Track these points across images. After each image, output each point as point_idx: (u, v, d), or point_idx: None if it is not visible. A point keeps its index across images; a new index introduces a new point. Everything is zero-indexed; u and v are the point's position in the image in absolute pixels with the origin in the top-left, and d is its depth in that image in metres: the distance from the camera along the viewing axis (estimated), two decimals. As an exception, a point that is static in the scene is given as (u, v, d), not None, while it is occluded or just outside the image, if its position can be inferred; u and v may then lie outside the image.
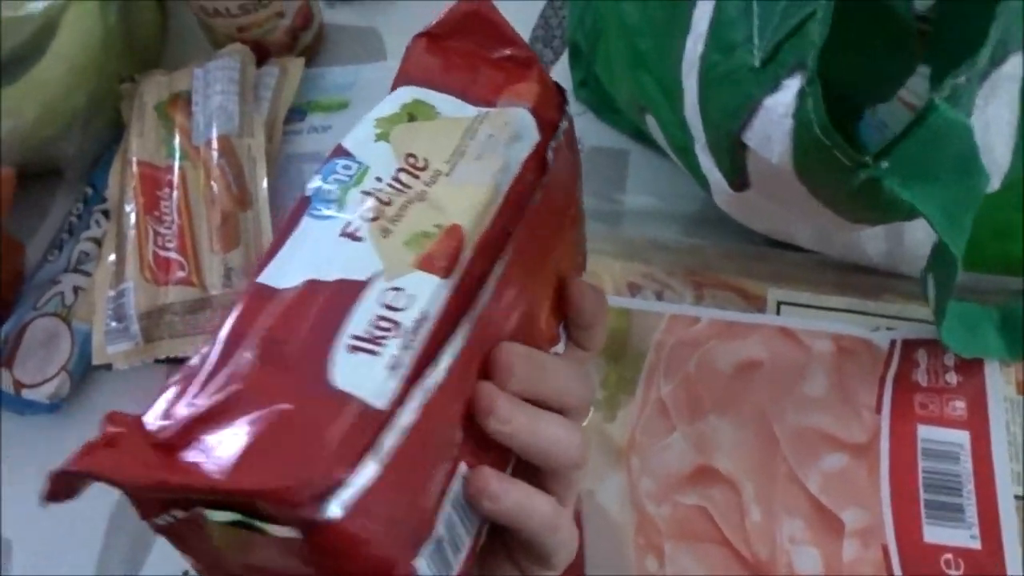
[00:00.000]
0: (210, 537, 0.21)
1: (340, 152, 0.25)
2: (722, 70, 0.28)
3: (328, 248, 0.23)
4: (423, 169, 0.24)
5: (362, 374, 0.20)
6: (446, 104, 0.26)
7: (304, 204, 0.24)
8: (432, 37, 0.28)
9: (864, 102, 0.28)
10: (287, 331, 0.21)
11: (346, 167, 0.25)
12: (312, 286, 0.22)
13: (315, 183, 0.24)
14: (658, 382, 0.37)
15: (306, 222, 0.23)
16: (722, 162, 0.31)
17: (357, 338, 0.21)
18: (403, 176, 0.24)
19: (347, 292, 0.21)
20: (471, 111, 0.26)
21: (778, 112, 0.25)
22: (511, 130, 0.25)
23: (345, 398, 0.20)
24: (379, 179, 0.24)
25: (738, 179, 0.31)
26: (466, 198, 0.23)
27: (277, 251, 0.23)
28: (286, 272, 0.22)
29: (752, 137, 0.27)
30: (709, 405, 0.37)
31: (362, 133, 0.26)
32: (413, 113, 0.26)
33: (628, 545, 0.34)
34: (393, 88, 0.28)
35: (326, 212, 0.23)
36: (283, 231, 0.24)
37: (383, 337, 0.21)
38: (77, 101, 0.50)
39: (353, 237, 0.23)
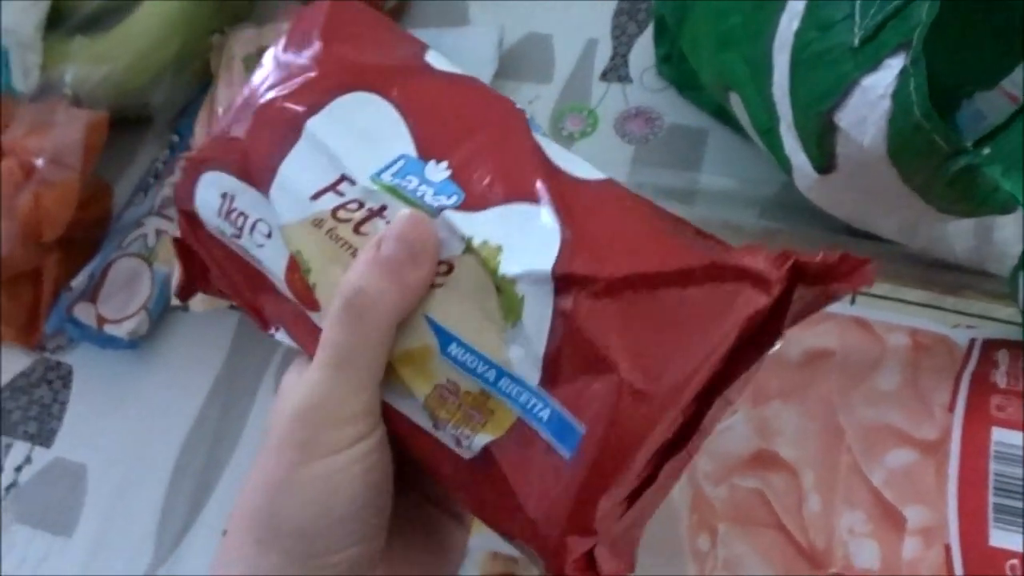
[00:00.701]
0: None
1: None
2: (817, 48, 0.27)
3: None
4: None
5: None
6: None
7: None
8: None
9: (963, 91, 0.27)
10: None
11: None
12: None
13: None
14: (724, 363, 0.37)
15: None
16: (808, 144, 0.30)
17: None
18: None
19: None
20: None
21: (876, 92, 0.25)
22: None
23: None
24: None
25: (824, 162, 0.30)
26: None
27: None
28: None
29: (844, 118, 0.26)
30: (774, 391, 0.36)
31: None
32: None
33: (682, 522, 0.34)
34: None
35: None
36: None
37: None
38: (168, 51, 0.52)
39: None
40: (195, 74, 0.54)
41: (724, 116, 0.49)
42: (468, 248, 0.22)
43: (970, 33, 0.32)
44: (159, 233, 0.52)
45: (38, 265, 0.49)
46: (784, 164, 0.36)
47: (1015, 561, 0.33)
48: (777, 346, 0.21)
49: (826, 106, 0.27)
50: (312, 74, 0.26)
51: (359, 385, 0.23)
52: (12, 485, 0.49)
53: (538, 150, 0.24)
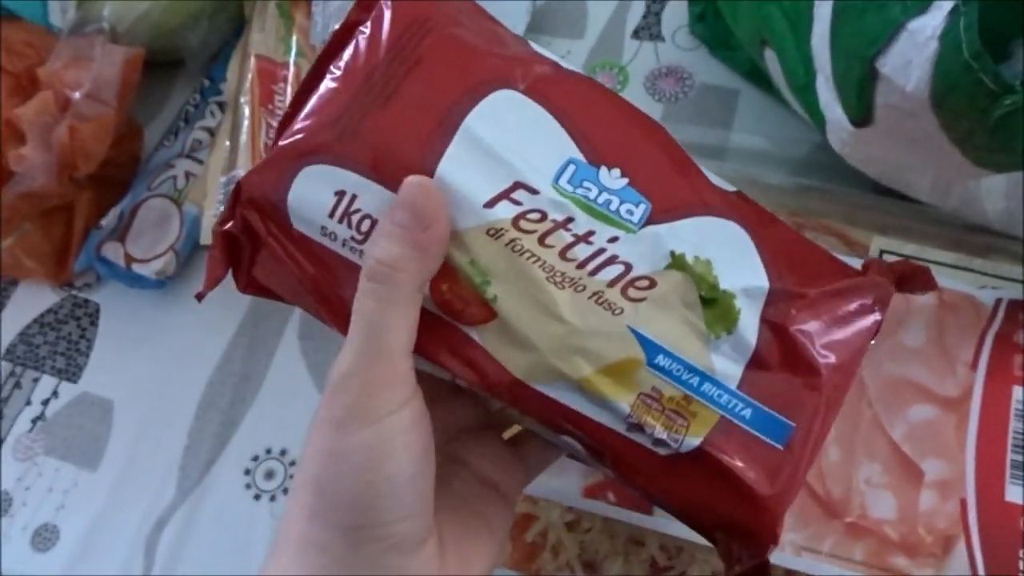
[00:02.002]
0: None
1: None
2: (864, -6, 0.27)
3: None
4: None
5: None
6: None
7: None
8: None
9: (1009, 40, 0.27)
10: None
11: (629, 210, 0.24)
12: None
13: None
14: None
15: None
16: (847, 95, 0.30)
17: None
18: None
19: None
20: None
21: (924, 35, 0.25)
22: None
23: None
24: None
25: (863, 113, 0.30)
26: None
27: None
28: None
29: (888, 63, 0.27)
30: (799, 343, 0.37)
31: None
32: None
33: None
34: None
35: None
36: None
37: None
38: (204, -7, 0.52)
39: None
40: (229, 18, 0.55)
41: (756, 77, 0.49)
42: (676, 262, 0.24)
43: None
44: (188, 175, 0.52)
45: (70, 201, 0.49)
46: (819, 120, 0.36)
47: (1031, 516, 0.33)
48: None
49: (871, 52, 0.27)
50: (446, 63, 0.24)
51: (392, 352, 0.23)
52: (39, 418, 0.50)
53: (694, 162, 0.26)
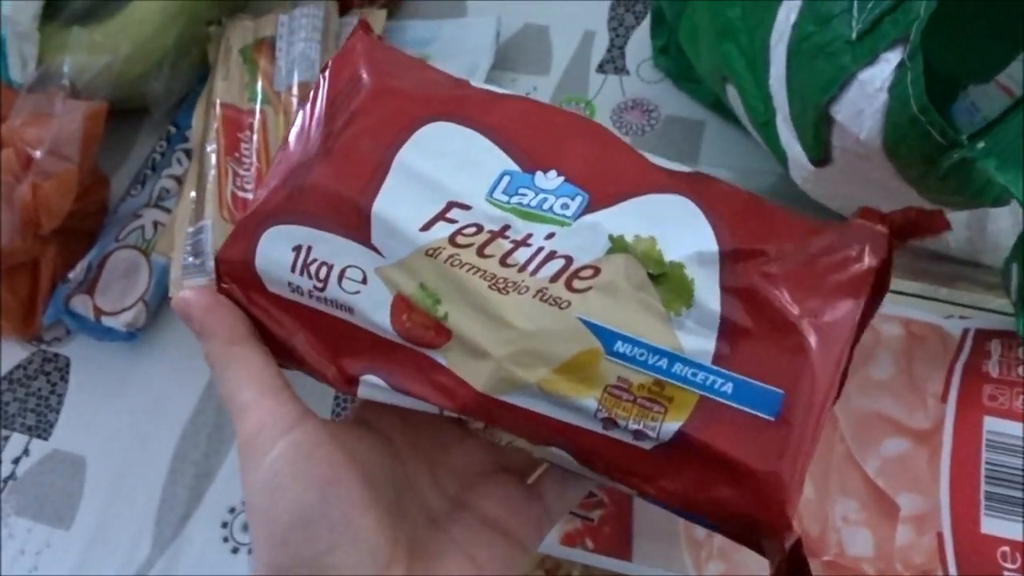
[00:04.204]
0: None
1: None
2: (816, 41, 0.27)
3: None
4: None
5: None
6: None
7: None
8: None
9: (959, 84, 0.27)
10: None
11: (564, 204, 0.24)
12: None
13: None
14: (721, 353, 0.37)
15: None
16: (804, 136, 0.31)
17: None
18: None
19: None
20: None
21: (873, 86, 0.25)
22: None
23: None
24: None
25: (820, 154, 0.30)
26: None
27: None
28: None
29: (841, 111, 0.27)
30: (771, 380, 0.37)
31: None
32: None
33: (680, 510, 0.35)
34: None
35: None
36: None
37: None
38: (167, 41, 0.52)
39: None
40: (193, 65, 0.54)
41: (720, 108, 0.49)
42: (619, 245, 0.23)
43: (967, 27, 0.32)
44: (156, 225, 0.52)
45: (36, 256, 0.49)
46: (780, 156, 0.37)
47: (1006, 548, 0.33)
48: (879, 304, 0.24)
49: (823, 99, 0.27)
50: (379, 111, 0.26)
51: (241, 402, 0.25)
52: (10, 477, 0.49)
53: (634, 149, 0.25)
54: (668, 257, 0.22)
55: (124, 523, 0.47)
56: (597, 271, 0.23)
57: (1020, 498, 0.34)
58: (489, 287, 0.23)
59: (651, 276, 0.23)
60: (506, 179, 0.24)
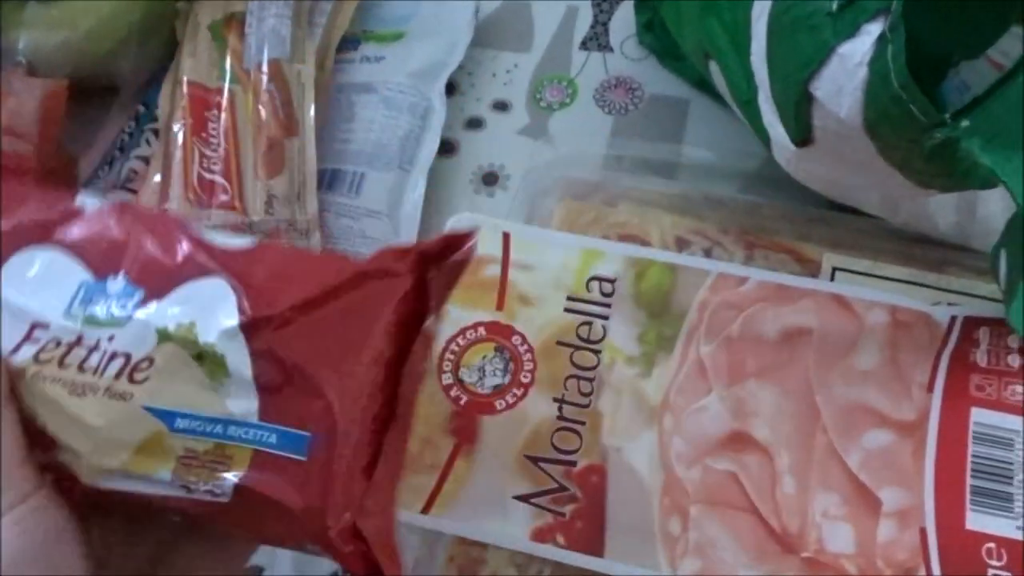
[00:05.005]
0: None
1: None
2: (795, 14, 0.26)
3: None
4: None
5: None
6: None
7: None
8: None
9: (948, 59, 0.26)
10: None
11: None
12: None
13: None
14: (698, 342, 0.36)
15: None
16: (786, 116, 0.29)
17: None
18: None
19: None
20: None
21: (853, 61, 0.23)
22: None
23: None
24: None
25: (802, 134, 0.29)
26: None
27: None
28: None
29: (821, 88, 0.25)
30: (750, 370, 0.35)
31: None
32: None
33: (653, 506, 0.33)
34: None
35: None
36: None
37: None
38: (132, 17, 0.50)
39: None
40: (162, 42, 0.53)
41: (706, 87, 0.48)
42: (164, 336, 0.26)
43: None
44: (125, 207, 0.50)
45: (-2, 240, 0.47)
46: (763, 137, 0.35)
47: (992, 544, 0.32)
48: (432, 320, 0.26)
49: (803, 75, 0.26)
50: None
51: None
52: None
53: (192, 233, 0.28)
54: (203, 339, 0.26)
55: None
56: (152, 361, 0.26)
57: (1007, 493, 0.33)
58: (69, 394, 0.26)
59: (195, 357, 0.26)
60: (83, 290, 0.27)
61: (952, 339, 0.36)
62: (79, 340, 0.26)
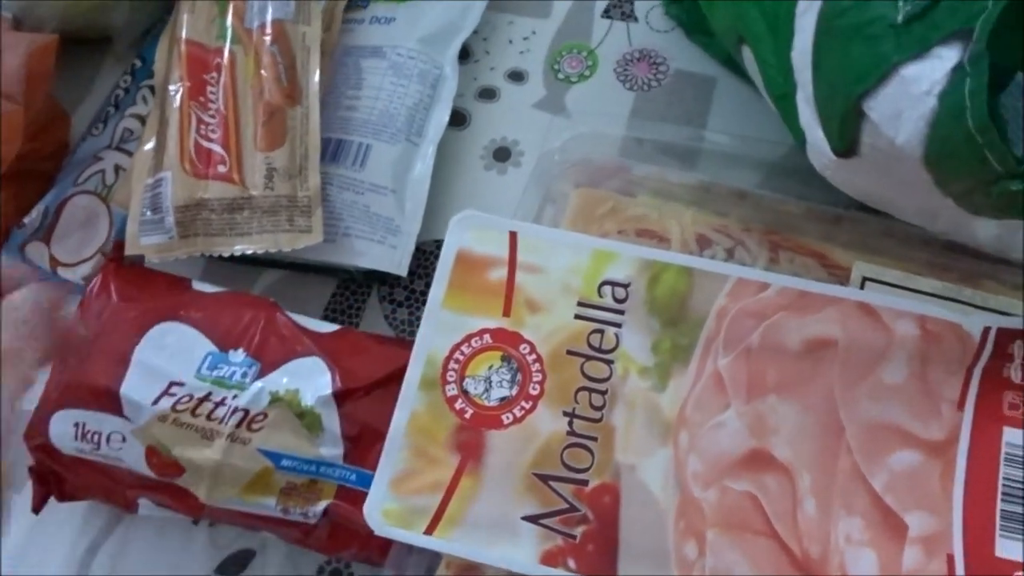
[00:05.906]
0: None
1: None
2: (852, 19, 0.23)
3: None
4: None
5: None
6: None
7: None
8: None
9: (1014, 70, 0.23)
10: None
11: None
12: None
13: None
14: (716, 353, 0.34)
15: None
16: (829, 125, 0.27)
17: None
18: None
19: None
20: None
21: (920, 87, 0.21)
22: None
23: None
24: None
25: (845, 147, 0.27)
26: None
27: None
28: None
29: (876, 108, 0.23)
30: (770, 384, 0.34)
31: None
32: None
33: (667, 528, 0.32)
34: None
35: None
36: None
37: None
38: (125, -35, 0.47)
39: None
40: (158, -7, 0.50)
41: (735, 66, 0.45)
42: (275, 399, 0.36)
43: None
44: (118, 169, 0.48)
45: (-15, 202, 0.45)
46: (797, 134, 0.33)
47: (1021, 573, 0.31)
48: None
49: (856, 90, 0.23)
50: (121, 321, 0.38)
51: None
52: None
53: (294, 323, 0.39)
54: (305, 402, 0.36)
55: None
56: (266, 416, 0.36)
57: (1037, 523, 0.31)
58: (201, 436, 0.36)
59: (297, 415, 0.36)
60: (209, 359, 0.37)
61: (985, 353, 0.34)
62: (208, 396, 0.36)
